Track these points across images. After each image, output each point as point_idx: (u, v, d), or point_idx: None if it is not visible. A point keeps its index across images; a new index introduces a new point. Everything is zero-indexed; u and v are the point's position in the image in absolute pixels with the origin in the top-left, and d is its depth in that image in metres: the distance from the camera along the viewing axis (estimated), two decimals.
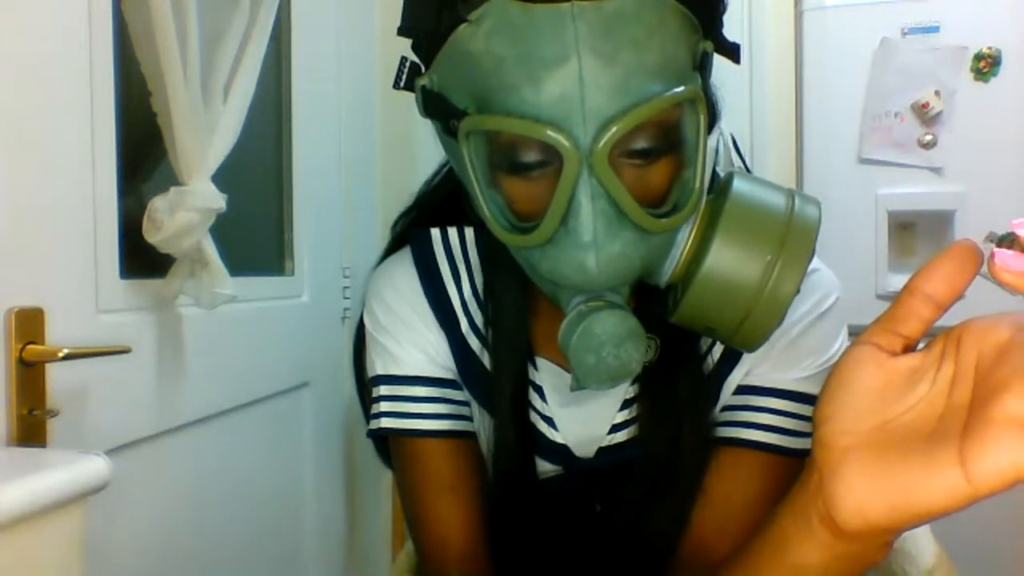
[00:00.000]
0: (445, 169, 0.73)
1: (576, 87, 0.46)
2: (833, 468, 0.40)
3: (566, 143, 0.46)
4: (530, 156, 0.50)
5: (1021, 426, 0.33)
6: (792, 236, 0.51)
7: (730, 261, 0.51)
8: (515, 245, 0.52)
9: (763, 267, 0.50)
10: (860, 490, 0.38)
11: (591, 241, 0.48)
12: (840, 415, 0.40)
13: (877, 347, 0.40)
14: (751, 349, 0.55)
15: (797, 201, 0.53)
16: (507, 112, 0.48)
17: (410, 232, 0.72)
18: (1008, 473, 0.33)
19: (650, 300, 0.61)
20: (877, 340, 0.40)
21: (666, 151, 0.51)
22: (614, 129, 0.46)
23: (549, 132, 0.46)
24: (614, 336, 0.50)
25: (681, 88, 0.48)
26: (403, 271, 0.70)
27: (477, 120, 0.49)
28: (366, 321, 0.71)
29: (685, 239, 0.53)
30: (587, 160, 0.47)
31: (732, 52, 0.55)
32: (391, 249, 0.74)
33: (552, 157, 0.50)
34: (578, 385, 0.53)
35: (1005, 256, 0.34)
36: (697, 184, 0.51)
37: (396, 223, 0.75)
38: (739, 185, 0.53)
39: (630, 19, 0.46)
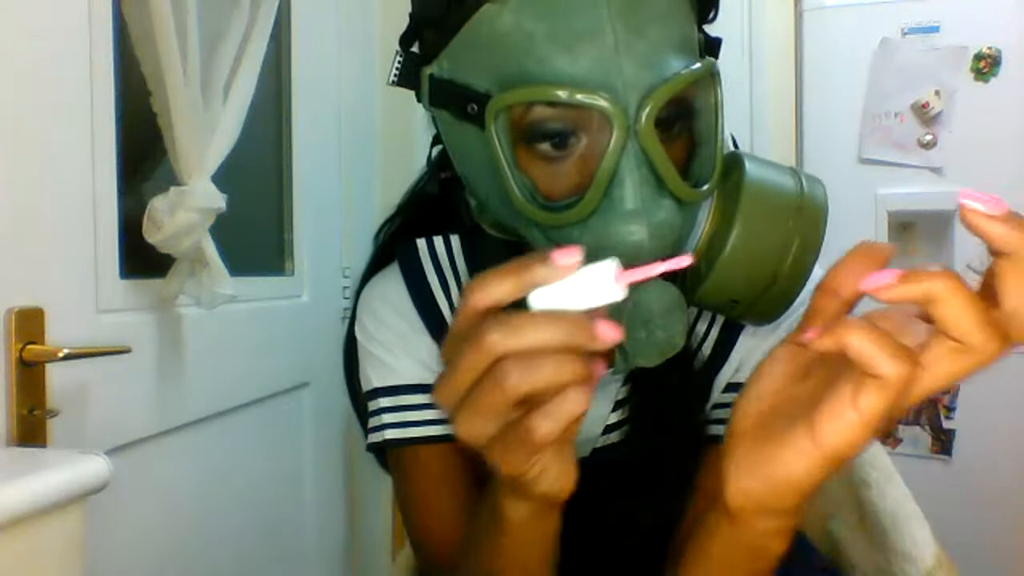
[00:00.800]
0: (428, 175, 0.72)
1: (613, 57, 0.47)
2: (728, 451, 0.43)
3: (613, 109, 0.46)
4: (562, 131, 0.50)
5: (858, 393, 0.36)
6: (807, 203, 0.53)
7: (755, 231, 0.52)
8: (551, 224, 0.51)
9: (785, 234, 0.52)
10: (739, 469, 0.42)
11: (639, 209, 0.48)
12: (746, 402, 0.43)
13: (793, 344, 0.42)
14: (771, 319, 0.56)
15: (802, 175, 0.56)
16: (544, 83, 0.48)
17: (396, 244, 0.72)
18: (845, 435, 0.37)
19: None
20: (794, 337, 0.42)
21: (690, 125, 0.53)
22: (656, 96, 0.47)
23: (594, 98, 0.46)
24: (661, 307, 0.50)
25: (700, 64, 0.50)
26: (392, 283, 0.70)
27: (513, 95, 0.48)
28: (358, 335, 0.71)
29: (706, 216, 0.55)
30: (633, 127, 0.47)
31: (714, 48, 0.57)
32: (375, 259, 0.74)
33: (586, 130, 0.50)
34: (625, 365, 0.53)
35: (876, 280, 0.35)
36: (717, 159, 0.52)
37: (379, 232, 0.75)
38: (749, 163, 0.55)
39: None
